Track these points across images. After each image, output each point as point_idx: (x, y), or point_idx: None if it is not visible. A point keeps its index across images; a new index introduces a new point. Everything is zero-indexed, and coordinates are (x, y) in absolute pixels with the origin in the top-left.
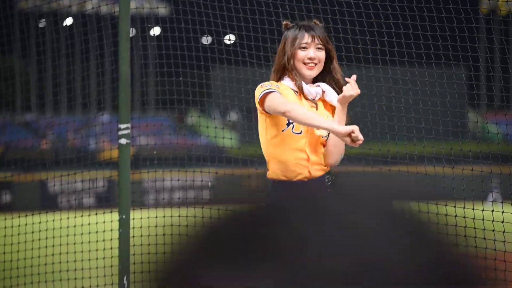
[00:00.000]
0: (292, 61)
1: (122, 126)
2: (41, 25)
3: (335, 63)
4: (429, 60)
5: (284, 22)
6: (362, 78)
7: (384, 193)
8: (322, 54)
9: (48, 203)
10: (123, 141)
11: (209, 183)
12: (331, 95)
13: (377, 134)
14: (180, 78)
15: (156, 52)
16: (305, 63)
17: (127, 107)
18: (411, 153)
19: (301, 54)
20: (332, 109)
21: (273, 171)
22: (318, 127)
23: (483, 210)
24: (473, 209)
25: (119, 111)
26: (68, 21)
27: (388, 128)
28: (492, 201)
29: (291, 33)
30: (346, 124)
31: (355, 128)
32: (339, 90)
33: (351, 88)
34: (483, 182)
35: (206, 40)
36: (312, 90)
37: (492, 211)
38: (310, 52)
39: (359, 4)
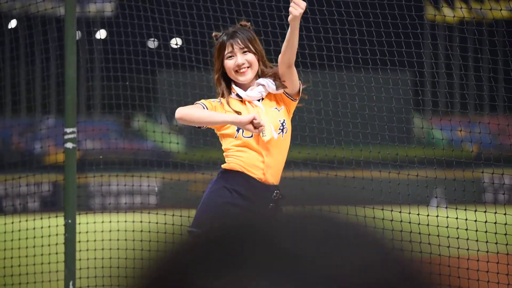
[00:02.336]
0: (222, 72)
1: (68, 130)
2: None
3: (265, 63)
4: (375, 66)
5: (213, 34)
6: (308, 83)
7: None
8: (250, 57)
9: None
10: (69, 145)
11: (156, 188)
12: (270, 86)
13: (323, 139)
14: (127, 82)
15: (102, 56)
16: (236, 71)
17: (73, 111)
18: (357, 158)
19: (229, 63)
20: (276, 98)
21: (229, 164)
22: (223, 123)
23: (428, 215)
24: (418, 214)
25: (65, 115)
26: (13, 23)
27: (334, 133)
28: (437, 206)
29: (216, 45)
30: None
31: (254, 115)
32: (275, 80)
33: (295, 5)
34: (428, 187)
35: (152, 44)
36: (253, 93)
37: (437, 216)
38: (237, 59)
39: (306, 9)
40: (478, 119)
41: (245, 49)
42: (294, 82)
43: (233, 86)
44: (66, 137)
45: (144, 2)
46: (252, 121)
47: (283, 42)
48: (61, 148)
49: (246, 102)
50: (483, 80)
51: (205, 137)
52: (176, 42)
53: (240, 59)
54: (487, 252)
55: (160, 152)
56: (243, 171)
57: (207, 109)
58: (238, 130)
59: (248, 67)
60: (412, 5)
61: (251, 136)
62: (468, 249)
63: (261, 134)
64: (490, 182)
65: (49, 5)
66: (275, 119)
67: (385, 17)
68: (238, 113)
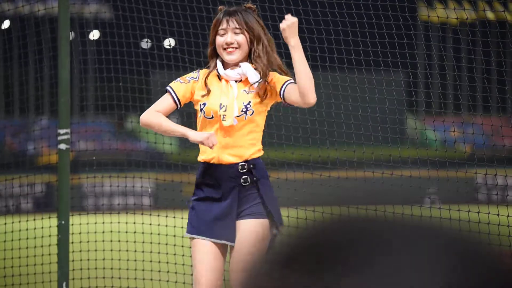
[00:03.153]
0: (214, 47)
1: (61, 131)
2: None
3: (258, 47)
4: (368, 67)
5: (219, 7)
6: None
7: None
8: (240, 38)
9: None
10: (62, 146)
11: (149, 189)
12: (251, 76)
13: (316, 140)
14: (120, 83)
15: (96, 57)
16: (224, 49)
17: (66, 112)
18: (350, 159)
19: (219, 40)
20: (251, 86)
21: (199, 155)
22: (178, 134)
23: (421, 215)
24: (411, 214)
25: (59, 116)
26: (6, 24)
27: (327, 134)
28: (430, 206)
29: (214, 19)
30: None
31: (209, 135)
32: (260, 72)
33: (286, 21)
34: (421, 188)
35: (145, 44)
36: (231, 73)
37: (430, 216)
38: (227, 37)
39: (299, 10)
40: (472, 119)
41: (238, 29)
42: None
43: (217, 61)
44: (59, 138)
45: (137, 3)
46: (203, 141)
47: (280, 43)
48: (55, 149)
49: (223, 81)
50: (476, 81)
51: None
52: (169, 43)
53: (230, 37)
54: None
55: (154, 153)
56: (205, 159)
57: (175, 95)
58: (201, 110)
59: (236, 48)
60: (405, 6)
61: (212, 117)
62: None
63: (220, 118)
64: (483, 182)
65: (43, 6)
66: (240, 101)
67: (378, 18)
68: (209, 91)
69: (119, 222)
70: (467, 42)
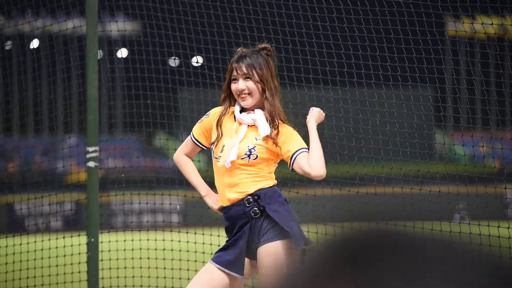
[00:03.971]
0: (229, 92)
1: (90, 149)
2: (7, 47)
3: (268, 94)
4: (396, 82)
5: (238, 49)
6: (329, 100)
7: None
8: (251, 84)
9: (15, 226)
10: (91, 164)
11: (178, 206)
12: (261, 126)
13: (345, 156)
14: (148, 101)
15: (124, 75)
16: (238, 95)
17: (95, 130)
18: (379, 174)
19: (233, 87)
20: (264, 137)
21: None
22: (192, 185)
23: (450, 231)
24: (440, 230)
25: (87, 134)
26: (35, 43)
27: (355, 150)
28: (460, 222)
29: (228, 66)
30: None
31: (215, 208)
32: (270, 120)
33: (311, 111)
34: (450, 203)
35: (173, 62)
36: (245, 117)
37: (460, 232)
38: (239, 84)
39: (326, 26)
40: (501, 134)
41: (247, 76)
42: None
43: (236, 104)
44: (88, 156)
45: (165, 21)
46: (215, 207)
47: (302, 58)
48: (83, 167)
49: (236, 122)
50: (505, 96)
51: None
52: (197, 60)
53: (241, 84)
54: None
55: None
56: (221, 205)
57: (193, 137)
58: (211, 150)
59: (248, 94)
60: (433, 21)
61: (216, 157)
62: None
63: (216, 160)
64: None
65: (71, 24)
66: (245, 145)
67: (406, 33)
68: (219, 134)
69: (148, 240)
70: (495, 56)
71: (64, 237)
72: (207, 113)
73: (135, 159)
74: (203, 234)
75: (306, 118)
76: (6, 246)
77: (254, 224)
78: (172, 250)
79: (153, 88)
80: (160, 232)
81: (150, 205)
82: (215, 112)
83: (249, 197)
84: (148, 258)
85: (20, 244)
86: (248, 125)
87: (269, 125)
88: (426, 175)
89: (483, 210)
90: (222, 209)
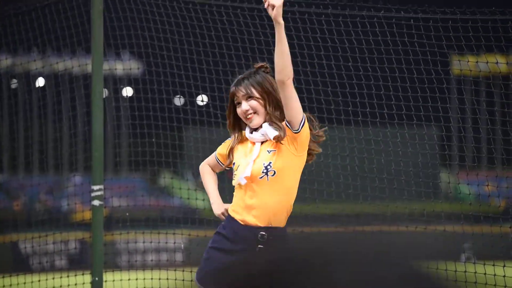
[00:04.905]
0: (235, 118)
1: (95, 187)
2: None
3: (270, 107)
4: (401, 121)
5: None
6: (334, 139)
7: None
8: (253, 103)
9: (20, 265)
10: (96, 202)
11: (182, 245)
12: (270, 133)
13: (350, 195)
14: (153, 139)
15: (129, 113)
16: (245, 117)
17: (100, 169)
18: (383, 213)
19: (238, 111)
20: (276, 145)
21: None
22: (206, 191)
23: (455, 270)
24: (445, 270)
25: (92, 172)
26: (40, 81)
27: (361, 188)
28: (465, 262)
29: (229, 92)
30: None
31: (221, 214)
32: (278, 126)
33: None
34: (455, 242)
35: (178, 101)
36: (256, 135)
37: (465, 271)
38: (242, 106)
39: (331, 65)
40: (506, 173)
41: (248, 96)
42: (290, 107)
43: (247, 126)
44: (93, 194)
45: (170, 59)
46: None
47: (307, 97)
48: (88, 205)
49: (249, 143)
50: (510, 135)
51: (231, 193)
52: (202, 99)
53: (244, 105)
54: None
55: (187, 209)
56: (231, 214)
57: (217, 159)
58: (233, 170)
59: (253, 113)
60: (438, 59)
61: (238, 183)
62: None
63: (233, 177)
64: None
65: (76, 63)
66: (260, 163)
67: (411, 72)
68: (232, 157)
69: (152, 279)
70: (500, 95)
71: (68, 276)
72: (232, 136)
73: (139, 198)
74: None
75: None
76: (11, 285)
77: (250, 254)
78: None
79: (158, 127)
80: (164, 271)
81: (154, 244)
82: (238, 136)
83: (263, 233)
84: None
85: (25, 283)
86: (262, 142)
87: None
88: (431, 214)
89: (489, 249)
90: (230, 218)
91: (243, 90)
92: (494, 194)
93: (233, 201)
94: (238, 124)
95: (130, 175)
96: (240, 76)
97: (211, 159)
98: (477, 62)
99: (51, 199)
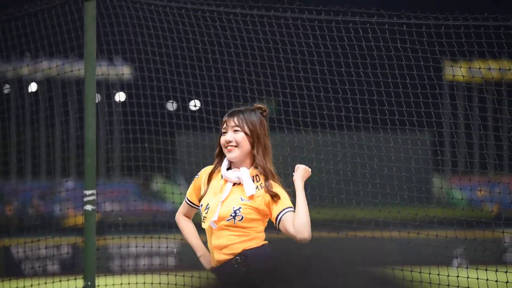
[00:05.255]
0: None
1: (87, 192)
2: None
3: (258, 148)
4: (394, 126)
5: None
6: (327, 143)
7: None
8: (239, 136)
9: (12, 270)
10: (88, 207)
11: (175, 250)
12: (246, 184)
13: (342, 200)
14: (146, 144)
15: (122, 118)
16: (225, 147)
17: (92, 174)
18: (376, 218)
19: (221, 138)
20: (252, 198)
21: None
22: (190, 244)
23: (448, 275)
24: (438, 274)
25: (85, 177)
26: (33, 87)
27: (353, 193)
28: (457, 267)
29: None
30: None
31: (208, 270)
32: (262, 178)
33: (299, 169)
34: (448, 248)
35: (171, 106)
36: (231, 175)
37: (457, 276)
38: (227, 136)
39: (324, 70)
40: (498, 179)
41: (237, 128)
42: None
43: (225, 159)
44: (85, 199)
45: (163, 64)
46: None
47: (300, 102)
48: (81, 210)
49: (222, 180)
50: (502, 140)
51: None
52: (194, 104)
53: (229, 136)
54: None
55: None
56: (211, 267)
57: (187, 199)
58: (200, 208)
59: (235, 146)
60: (430, 65)
61: (203, 218)
62: None
63: (203, 219)
64: (511, 242)
65: (69, 68)
66: (230, 206)
67: (404, 78)
68: (205, 192)
69: (144, 283)
70: (493, 101)
71: (60, 281)
72: (198, 174)
73: (132, 203)
74: (199, 277)
75: (292, 176)
76: None
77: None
78: None
79: (150, 132)
80: (156, 275)
81: (147, 248)
82: (205, 170)
83: (237, 257)
84: None
85: (17, 287)
86: (234, 184)
87: (255, 183)
88: (424, 219)
89: (481, 254)
90: (213, 269)
91: (236, 122)
92: (487, 199)
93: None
94: (222, 154)
95: (122, 180)
96: (236, 109)
97: (183, 207)
98: (469, 67)
99: (43, 204)
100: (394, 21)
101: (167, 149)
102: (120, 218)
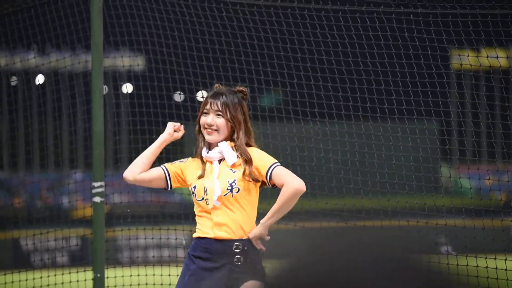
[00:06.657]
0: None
1: (96, 184)
2: (12, 83)
3: (239, 133)
4: (402, 116)
5: (215, 85)
6: (335, 133)
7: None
8: (220, 121)
9: (21, 262)
10: (97, 199)
11: (184, 241)
12: (228, 157)
13: (350, 189)
14: (153, 136)
15: (129, 110)
16: (205, 128)
17: (100, 165)
18: (384, 208)
19: (202, 119)
20: (239, 166)
21: (195, 231)
22: (156, 150)
23: (457, 264)
24: (447, 263)
25: (93, 169)
26: (40, 79)
27: (361, 183)
28: (466, 255)
29: (204, 99)
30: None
31: (171, 125)
32: (239, 156)
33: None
34: (457, 237)
35: (179, 97)
36: (213, 153)
37: (467, 265)
38: (208, 118)
39: (331, 60)
40: (506, 167)
41: (220, 113)
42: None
43: (203, 146)
44: (94, 191)
45: (170, 56)
46: (173, 130)
47: (307, 92)
48: (89, 202)
49: (207, 163)
50: (510, 128)
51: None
52: (202, 95)
53: (210, 119)
54: None
55: (188, 204)
56: (200, 235)
57: (167, 171)
58: (193, 193)
59: (215, 130)
60: (438, 54)
61: (202, 199)
62: None
63: (205, 202)
64: None
65: (76, 60)
66: (225, 180)
67: (411, 67)
68: (201, 176)
69: (154, 275)
70: (500, 89)
71: (70, 273)
72: (183, 160)
73: (140, 194)
74: None
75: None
76: (12, 282)
77: (231, 269)
78: None
79: (158, 123)
80: (166, 267)
81: (156, 240)
82: (193, 159)
83: (239, 243)
84: None
85: (26, 280)
86: (219, 160)
87: (236, 152)
88: (432, 208)
89: (490, 243)
90: (198, 239)
91: (219, 106)
92: (495, 188)
93: (198, 225)
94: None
95: None
96: (218, 90)
97: (152, 170)
98: (477, 56)
99: (52, 196)
100: (401, 10)
101: (174, 141)
102: (128, 210)
